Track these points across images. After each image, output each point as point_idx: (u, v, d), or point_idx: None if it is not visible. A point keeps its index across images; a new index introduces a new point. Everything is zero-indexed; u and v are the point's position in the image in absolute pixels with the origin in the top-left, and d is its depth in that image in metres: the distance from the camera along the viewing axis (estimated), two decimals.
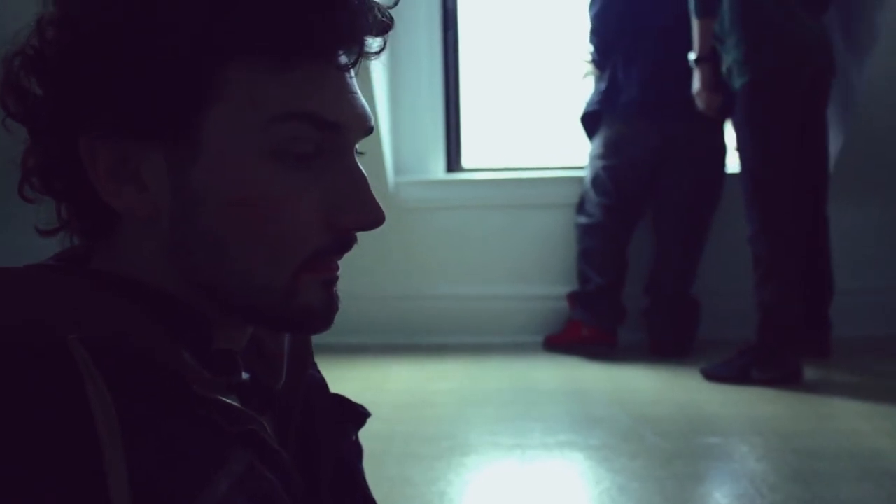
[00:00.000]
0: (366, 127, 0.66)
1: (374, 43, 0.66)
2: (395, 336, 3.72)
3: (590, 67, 3.66)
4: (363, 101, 0.66)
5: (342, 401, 0.79)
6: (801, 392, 2.91)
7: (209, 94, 0.60)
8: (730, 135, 3.44)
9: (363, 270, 3.58)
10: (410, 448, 2.44)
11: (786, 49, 2.99)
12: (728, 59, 3.07)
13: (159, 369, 0.59)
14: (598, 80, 3.60)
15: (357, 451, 0.80)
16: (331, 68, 0.63)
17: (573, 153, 3.87)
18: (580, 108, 3.63)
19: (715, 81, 3.19)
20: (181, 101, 0.60)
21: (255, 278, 0.63)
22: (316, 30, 0.61)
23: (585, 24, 3.58)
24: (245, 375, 0.67)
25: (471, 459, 2.40)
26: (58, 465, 0.52)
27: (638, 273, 3.57)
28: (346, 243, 0.66)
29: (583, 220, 3.59)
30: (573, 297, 3.60)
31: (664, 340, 3.47)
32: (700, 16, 3.12)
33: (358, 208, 0.64)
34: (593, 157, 3.56)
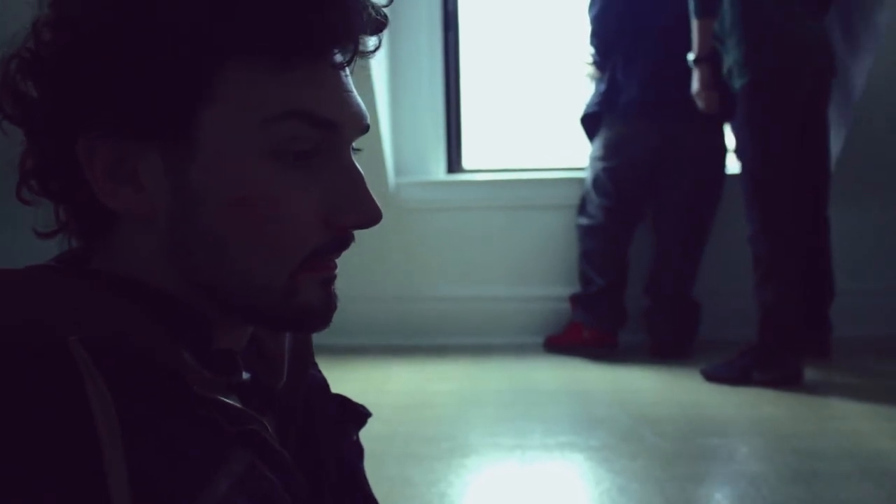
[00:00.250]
0: (362, 125, 0.66)
1: (369, 41, 0.66)
2: (395, 337, 3.72)
3: (590, 69, 3.66)
4: (359, 99, 0.66)
5: (343, 401, 0.80)
6: (801, 393, 2.91)
7: (206, 93, 0.61)
8: (729, 135, 3.45)
9: (364, 271, 3.58)
10: (411, 449, 2.44)
11: (786, 49, 2.99)
12: (728, 60, 3.07)
13: (159, 369, 0.59)
14: (598, 81, 3.60)
15: (358, 450, 0.81)
16: (326, 67, 0.63)
17: (573, 154, 3.87)
18: (580, 110, 3.63)
19: (714, 82, 3.18)
20: (178, 100, 0.60)
21: (255, 277, 0.63)
22: (312, 29, 0.61)
23: (585, 26, 3.58)
24: (246, 375, 0.67)
25: (471, 460, 2.40)
26: (58, 465, 0.52)
27: (638, 274, 3.57)
28: (344, 242, 0.66)
29: (584, 221, 3.59)
30: (575, 299, 3.60)
31: (664, 341, 3.47)
32: (700, 16, 3.12)
33: (356, 207, 0.64)
34: (593, 159, 3.56)
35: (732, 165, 3.54)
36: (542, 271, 3.77)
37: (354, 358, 3.41)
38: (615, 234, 3.53)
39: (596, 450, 2.44)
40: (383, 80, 3.63)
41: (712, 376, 3.07)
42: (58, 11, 0.62)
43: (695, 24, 3.15)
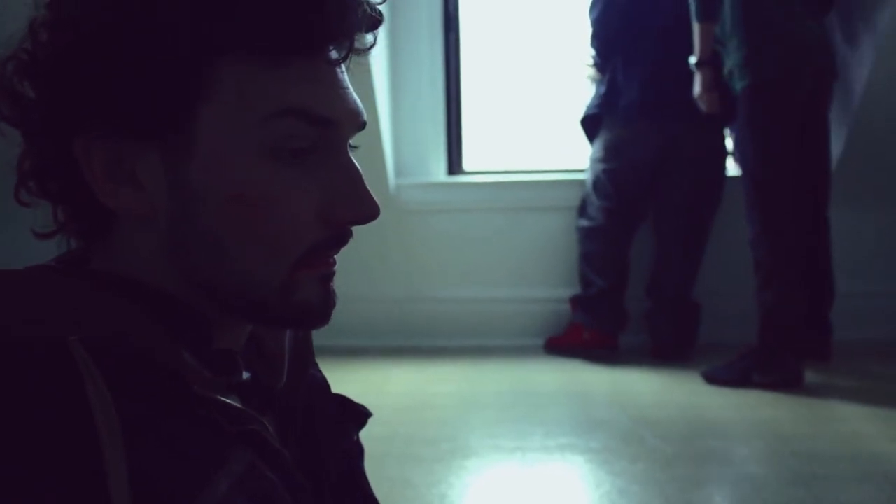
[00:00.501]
0: (358, 122, 0.66)
1: (365, 38, 0.66)
2: (395, 338, 3.72)
3: (591, 71, 3.66)
4: (355, 96, 0.66)
5: (343, 401, 0.80)
6: (801, 395, 2.91)
7: (203, 92, 0.61)
8: (730, 137, 3.45)
9: (364, 273, 3.59)
10: (411, 450, 2.44)
11: (787, 52, 2.99)
12: (729, 62, 3.07)
13: (159, 369, 0.59)
14: (599, 83, 3.60)
15: (358, 450, 0.81)
16: (322, 64, 0.63)
17: (574, 156, 3.87)
18: (580, 111, 3.63)
19: (716, 84, 3.19)
20: (176, 99, 0.60)
21: (253, 275, 0.63)
22: (307, 26, 0.61)
23: (586, 28, 3.58)
24: (246, 375, 0.67)
25: (471, 462, 2.40)
26: (58, 464, 0.52)
27: (639, 275, 3.57)
28: (343, 238, 0.66)
29: (584, 223, 3.59)
30: (575, 301, 3.60)
31: (665, 343, 3.47)
32: (701, 20, 3.12)
33: (353, 203, 0.64)
34: (594, 161, 3.56)
35: (733, 167, 3.54)
36: (543, 273, 3.77)
37: (355, 359, 3.41)
38: (616, 236, 3.53)
39: (596, 452, 2.44)
40: (384, 81, 3.63)
41: (712, 378, 3.07)
42: (54, 12, 0.62)
43: (696, 28, 3.15)
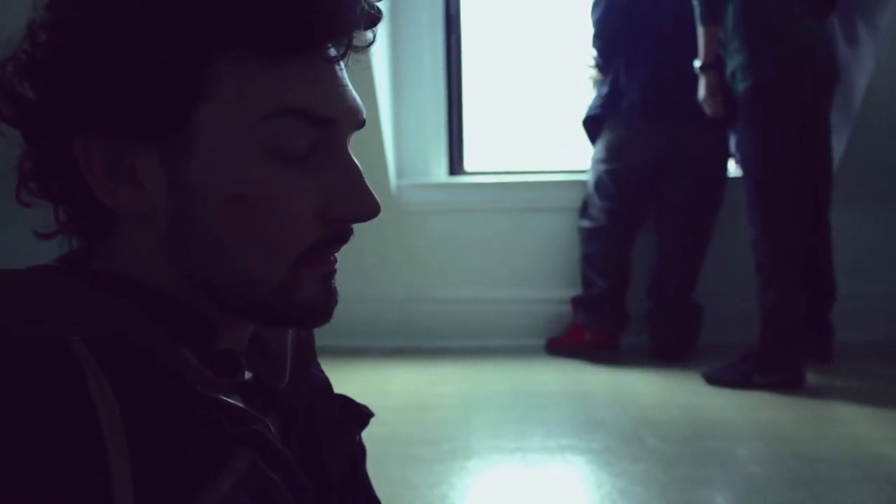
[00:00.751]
0: (358, 120, 0.66)
1: (363, 36, 0.66)
2: (396, 339, 3.72)
3: (593, 72, 3.66)
4: (355, 94, 0.66)
5: (345, 401, 0.80)
6: (802, 396, 2.91)
7: (201, 91, 0.61)
8: (731, 138, 3.45)
9: (365, 273, 3.58)
10: (412, 451, 2.44)
11: (788, 54, 2.99)
12: (731, 64, 3.07)
13: (161, 369, 0.59)
14: (601, 84, 3.60)
15: (360, 451, 0.81)
16: (321, 62, 0.63)
17: (575, 157, 3.87)
18: (582, 112, 3.63)
19: (720, 87, 3.18)
20: (174, 98, 0.60)
21: (253, 274, 0.63)
22: (305, 24, 0.61)
23: (588, 28, 3.58)
24: (248, 375, 0.67)
25: (472, 463, 2.40)
26: (61, 464, 0.52)
27: (641, 276, 3.57)
28: (343, 235, 0.66)
29: (586, 223, 3.59)
30: (576, 302, 3.60)
31: (666, 344, 3.47)
32: (706, 23, 3.11)
33: (353, 200, 0.64)
34: (596, 161, 3.56)
35: (734, 168, 3.54)
36: (544, 273, 3.77)
37: (355, 360, 3.41)
38: (617, 237, 3.53)
39: (597, 452, 2.44)
40: (385, 81, 3.63)
41: (713, 379, 3.07)
42: (53, 13, 0.62)
43: (701, 32, 3.14)
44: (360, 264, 3.43)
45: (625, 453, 2.41)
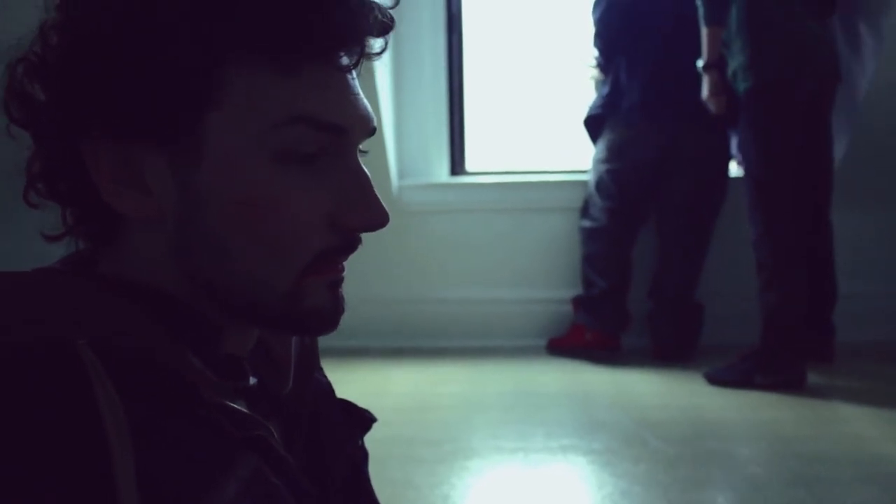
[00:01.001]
0: (369, 128, 0.66)
1: (375, 43, 0.66)
2: (398, 339, 3.72)
3: (594, 72, 3.66)
4: (365, 101, 0.66)
5: (348, 406, 0.79)
6: (804, 397, 2.91)
7: (211, 96, 0.60)
8: (732, 138, 3.45)
9: (366, 274, 3.58)
10: (413, 451, 2.44)
11: (789, 54, 2.99)
12: (733, 64, 3.07)
13: (166, 373, 0.59)
14: (602, 84, 3.60)
15: (363, 456, 0.80)
16: (332, 69, 0.63)
17: (576, 157, 3.87)
18: (583, 112, 3.63)
19: (723, 87, 3.18)
20: (183, 103, 0.60)
21: (259, 280, 0.63)
22: (316, 31, 0.60)
23: (589, 28, 3.58)
24: (252, 380, 0.67)
25: (474, 463, 2.40)
26: (64, 465, 0.52)
27: (642, 277, 3.57)
28: (351, 244, 0.65)
29: (587, 223, 3.59)
30: (577, 301, 3.60)
31: (667, 344, 3.47)
32: (709, 24, 3.11)
33: (362, 209, 0.64)
34: (597, 161, 3.56)
35: (735, 169, 3.54)
36: (545, 274, 3.77)
37: (357, 360, 3.41)
38: (618, 237, 3.53)
39: (598, 453, 2.44)
40: (387, 82, 3.63)
41: (715, 379, 3.07)
42: (63, 15, 0.62)
43: (704, 32, 3.14)
44: (361, 265, 3.40)
45: (626, 454, 2.41)
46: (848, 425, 2.63)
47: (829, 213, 3.21)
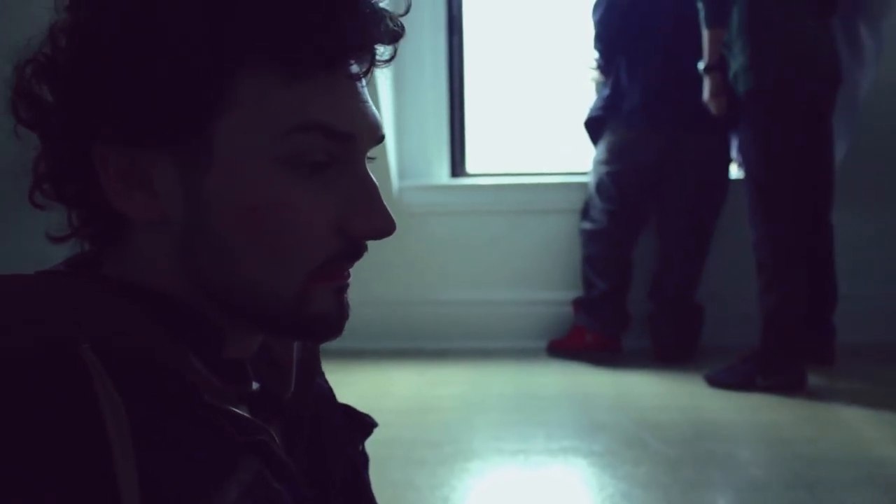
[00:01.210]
0: (377, 136, 0.66)
1: (384, 51, 0.66)
2: (398, 341, 3.72)
3: (595, 73, 3.66)
4: (375, 109, 0.66)
5: (349, 410, 0.79)
6: (804, 398, 2.91)
7: (221, 102, 0.60)
8: (732, 140, 3.45)
9: (367, 275, 3.56)
10: (414, 453, 2.44)
11: (790, 56, 2.99)
12: (734, 65, 3.07)
13: (166, 373, 0.59)
14: (602, 85, 3.60)
15: (363, 460, 0.81)
16: (342, 77, 0.63)
17: (577, 158, 3.87)
18: (584, 114, 3.63)
19: (724, 88, 3.18)
20: (193, 108, 0.60)
21: (265, 285, 0.63)
22: (327, 39, 0.60)
23: (589, 29, 3.58)
24: (255, 385, 0.67)
25: (474, 465, 2.40)
26: (64, 465, 0.52)
27: (643, 278, 3.57)
28: (357, 251, 0.65)
29: (587, 225, 3.59)
30: (577, 303, 3.60)
31: (667, 345, 3.47)
32: (711, 25, 3.11)
33: (369, 216, 0.64)
34: (597, 163, 3.56)
35: (735, 170, 3.54)
36: (545, 275, 3.77)
37: (357, 362, 3.41)
38: (619, 239, 3.53)
39: (599, 455, 2.44)
40: (387, 83, 3.63)
41: (715, 381, 3.07)
42: (73, 17, 0.62)
43: (706, 34, 3.14)
44: (362, 266, 3.39)
45: (627, 456, 2.41)
46: (848, 427, 2.63)
47: (829, 214, 3.21)
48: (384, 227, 0.65)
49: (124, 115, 0.60)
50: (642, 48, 3.43)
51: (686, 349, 3.46)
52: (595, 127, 3.59)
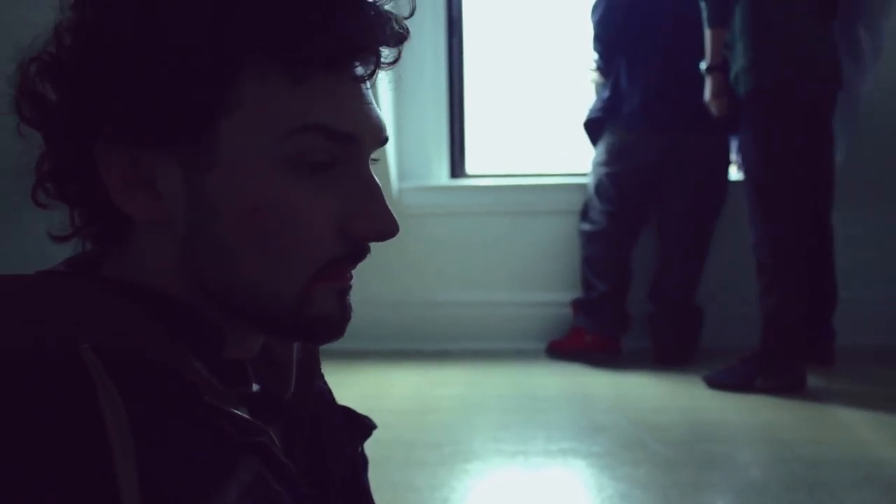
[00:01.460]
0: (381, 138, 0.66)
1: (389, 53, 0.66)
2: (398, 342, 3.72)
3: (594, 75, 3.66)
4: (378, 111, 0.66)
5: (348, 412, 0.79)
6: (804, 400, 2.91)
7: (223, 103, 0.60)
8: (732, 142, 3.45)
9: (366, 276, 3.55)
10: (413, 454, 2.44)
11: (791, 58, 2.99)
12: (735, 67, 3.07)
13: (169, 376, 0.59)
14: (602, 87, 3.60)
15: (363, 462, 0.81)
16: (346, 79, 0.63)
17: (576, 159, 3.87)
18: (583, 115, 3.63)
19: (726, 89, 3.18)
20: (197, 109, 0.60)
21: (266, 285, 0.63)
22: (331, 40, 0.61)
23: (589, 30, 3.58)
24: (255, 387, 0.67)
25: (474, 466, 2.40)
26: (64, 465, 0.52)
27: (641, 279, 3.57)
28: (360, 252, 0.66)
29: (586, 226, 3.59)
30: (577, 304, 3.60)
31: (667, 345, 3.46)
32: (713, 25, 3.11)
33: (371, 218, 0.64)
34: (597, 164, 3.56)
35: (735, 172, 3.54)
36: (545, 276, 3.77)
37: (356, 363, 3.41)
38: (618, 240, 3.53)
39: (598, 456, 2.44)
40: (387, 84, 3.63)
41: (715, 383, 3.07)
42: (78, 16, 0.62)
43: (708, 34, 3.14)
44: (361, 267, 3.41)
45: (626, 457, 2.41)
46: (848, 429, 2.63)
47: (829, 215, 3.21)
48: (387, 228, 0.65)
49: (127, 114, 0.60)
50: (642, 48, 3.43)
51: (686, 350, 3.46)
52: (594, 128, 3.59)
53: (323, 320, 0.65)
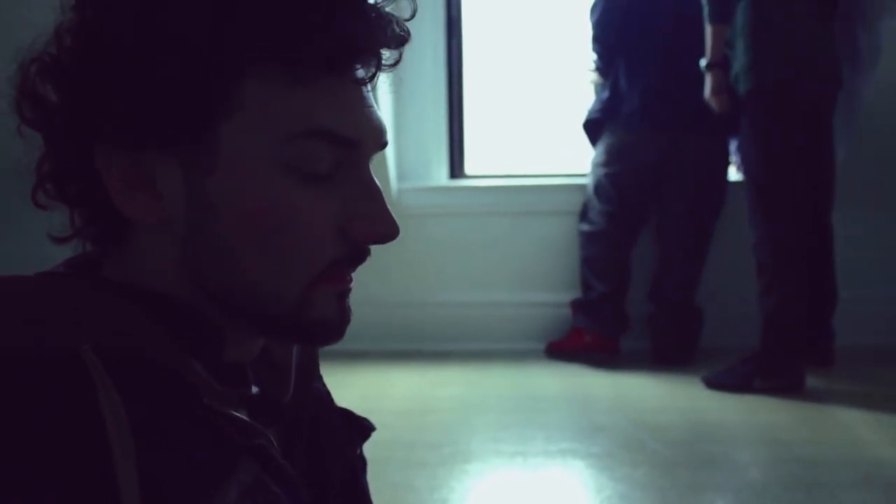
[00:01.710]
0: (381, 141, 0.66)
1: (389, 55, 0.66)
2: (397, 342, 3.72)
3: (594, 76, 3.66)
4: (379, 115, 0.66)
5: (347, 414, 0.79)
6: (803, 400, 2.91)
7: (224, 104, 0.60)
8: (732, 142, 3.45)
9: (365, 277, 3.54)
10: (413, 455, 2.44)
11: (791, 57, 2.99)
12: (736, 66, 3.07)
13: (165, 373, 0.59)
14: (601, 87, 3.60)
15: (361, 464, 0.81)
16: (347, 82, 0.63)
17: (576, 160, 3.87)
18: (583, 115, 3.63)
19: (726, 87, 3.17)
20: (198, 111, 0.60)
21: (266, 286, 0.63)
22: (333, 43, 0.61)
23: (588, 31, 3.58)
24: (255, 389, 0.67)
25: (473, 466, 2.40)
26: (64, 465, 0.52)
27: (642, 279, 3.57)
28: (360, 255, 0.66)
29: (585, 227, 3.59)
30: (576, 305, 3.60)
31: (667, 345, 3.46)
32: (714, 22, 3.11)
33: (372, 220, 0.64)
34: (596, 165, 3.56)
35: (735, 172, 3.54)
36: (544, 277, 3.77)
37: (356, 363, 3.41)
38: (617, 240, 3.53)
39: (598, 457, 2.44)
40: (386, 85, 3.63)
41: (714, 383, 3.07)
42: (79, 17, 0.62)
43: (708, 30, 3.14)
44: (361, 267, 3.42)
45: (625, 457, 2.41)
46: (847, 429, 2.63)
47: (829, 215, 3.21)
48: (387, 231, 0.65)
49: (127, 115, 0.60)
50: (641, 49, 3.43)
51: (685, 350, 3.46)
52: (594, 129, 3.59)
53: (323, 323, 0.65)
